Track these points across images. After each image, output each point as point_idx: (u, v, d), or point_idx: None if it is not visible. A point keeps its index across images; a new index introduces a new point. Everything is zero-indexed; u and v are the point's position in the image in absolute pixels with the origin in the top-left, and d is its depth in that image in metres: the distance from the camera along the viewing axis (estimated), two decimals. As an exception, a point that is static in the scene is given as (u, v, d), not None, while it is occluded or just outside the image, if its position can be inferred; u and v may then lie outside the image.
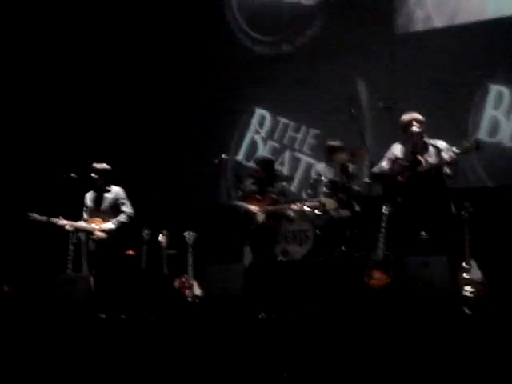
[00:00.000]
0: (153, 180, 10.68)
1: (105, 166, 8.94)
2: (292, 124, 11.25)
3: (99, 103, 11.79)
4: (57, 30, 11.77)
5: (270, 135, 9.58)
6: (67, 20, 11.82)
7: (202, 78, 11.65)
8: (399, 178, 7.69)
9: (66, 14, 11.81)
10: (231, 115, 11.29)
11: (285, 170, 10.34)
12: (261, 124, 9.92)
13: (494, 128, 9.64)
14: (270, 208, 8.36)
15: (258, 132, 9.38)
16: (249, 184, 8.58)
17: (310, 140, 11.14)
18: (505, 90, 9.60)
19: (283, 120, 11.03)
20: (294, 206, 8.45)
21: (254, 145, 9.20)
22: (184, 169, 11.54)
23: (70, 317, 7.56)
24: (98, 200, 8.92)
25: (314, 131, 11.12)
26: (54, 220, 8.77)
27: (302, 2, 11.32)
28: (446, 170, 7.54)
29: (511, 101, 9.56)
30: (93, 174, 8.87)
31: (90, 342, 6.81)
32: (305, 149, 11.19)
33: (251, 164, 8.59)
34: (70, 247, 9.33)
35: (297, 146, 11.20)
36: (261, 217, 8.37)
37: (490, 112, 9.71)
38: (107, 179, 8.95)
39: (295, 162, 11.04)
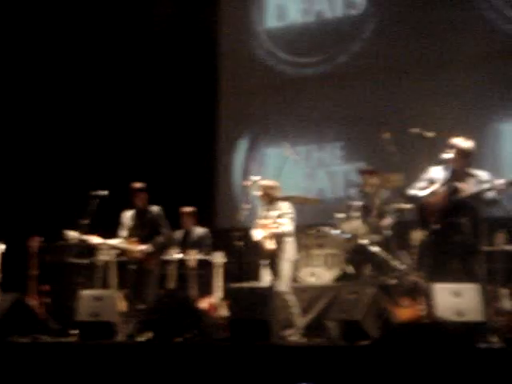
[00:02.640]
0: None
1: (143, 185, 8.92)
2: (314, 146, 11.32)
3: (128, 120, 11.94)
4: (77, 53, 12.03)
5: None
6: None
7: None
8: (435, 202, 7.51)
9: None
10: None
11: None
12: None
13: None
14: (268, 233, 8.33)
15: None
16: (260, 211, 8.56)
17: (337, 152, 11.23)
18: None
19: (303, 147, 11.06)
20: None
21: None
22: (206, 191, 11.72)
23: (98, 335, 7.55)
24: (138, 219, 8.88)
25: (338, 144, 11.23)
26: (86, 237, 8.69)
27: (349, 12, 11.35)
28: (486, 196, 7.39)
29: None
30: (133, 194, 8.87)
31: (113, 362, 6.79)
32: (336, 162, 11.24)
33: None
34: (99, 264, 9.37)
35: (328, 162, 11.28)
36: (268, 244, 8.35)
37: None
38: (147, 198, 8.94)
39: (332, 176, 11.05)
